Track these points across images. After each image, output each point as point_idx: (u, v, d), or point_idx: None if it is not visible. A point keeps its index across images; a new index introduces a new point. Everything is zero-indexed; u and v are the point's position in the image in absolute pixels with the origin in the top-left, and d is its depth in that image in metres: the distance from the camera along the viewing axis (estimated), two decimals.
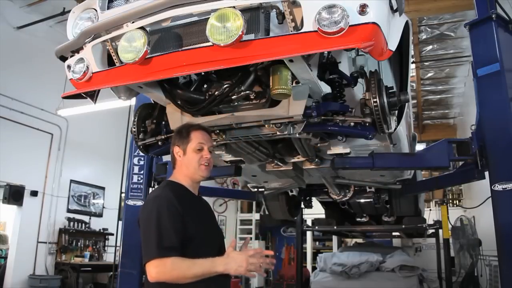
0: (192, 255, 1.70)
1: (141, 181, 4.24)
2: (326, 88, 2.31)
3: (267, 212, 5.59)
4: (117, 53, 1.99)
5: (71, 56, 2.20)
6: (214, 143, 2.39)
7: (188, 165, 1.90)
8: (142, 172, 4.28)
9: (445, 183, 4.27)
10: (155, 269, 1.64)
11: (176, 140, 1.95)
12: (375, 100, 2.21)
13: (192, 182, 1.93)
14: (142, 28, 1.92)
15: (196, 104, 2.25)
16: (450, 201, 11.50)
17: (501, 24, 2.84)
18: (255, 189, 4.44)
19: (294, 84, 2.08)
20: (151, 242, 1.67)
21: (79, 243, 8.14)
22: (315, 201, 5.68)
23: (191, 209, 1.82)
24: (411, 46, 2.78)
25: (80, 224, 8.25)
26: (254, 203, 12.25)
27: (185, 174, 1.92)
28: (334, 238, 10.70)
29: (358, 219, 6.35)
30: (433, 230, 6.37)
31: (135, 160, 4.30)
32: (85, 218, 8.45)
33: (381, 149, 3.02)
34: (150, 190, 4.22)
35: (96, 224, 8.66)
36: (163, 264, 1.63)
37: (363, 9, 1.63)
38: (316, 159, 3.11)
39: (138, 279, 3.93)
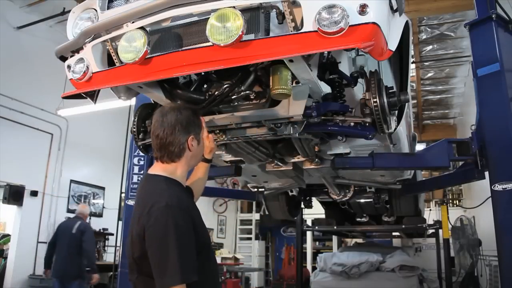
0: (201, 266, 1.49)
1: None
2: (326, 88, 2.30)
3: (267, 212, 5.59)
4: (117, 53, 1.99)
5: (71, 56, 2.19)
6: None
7: (199, 153, 1.78)
8: (142, 172, 4.27)
9: (445, 183, 4.28)
10: None
11: (191, 129, 1.69)
12: (375, 100, 2.21)
13: (186, 173, 1.73)
14: (142, 28, 1.92)
15: (196, 104, 2.24)
16: (450, 201, 11.50)
17: (501, 24, 2.84)
18: (255, 189, 4.42)
19: (294, 84, 2.08)
20: (171, 264, 1.39)
21: None
22: (315, 201, 5.67)
23: (195, 210, 1.64)
24: (411, 46, 2.78)
25: None
26: (254, 203, 12.26)
27: (188, 167, 1.72)
28: (334, 238, 10.70)
29: (358, 219, 6.36)
30: (433, 230, 6.38)
31: (135, 160, 4.30)
32: None
33: (381, 149, 3.02)
34: None
35: (96, 224, 8.64)
36: None
37: (363, 9, 1.63)
38: (316, 159, 3.11)
39: None
